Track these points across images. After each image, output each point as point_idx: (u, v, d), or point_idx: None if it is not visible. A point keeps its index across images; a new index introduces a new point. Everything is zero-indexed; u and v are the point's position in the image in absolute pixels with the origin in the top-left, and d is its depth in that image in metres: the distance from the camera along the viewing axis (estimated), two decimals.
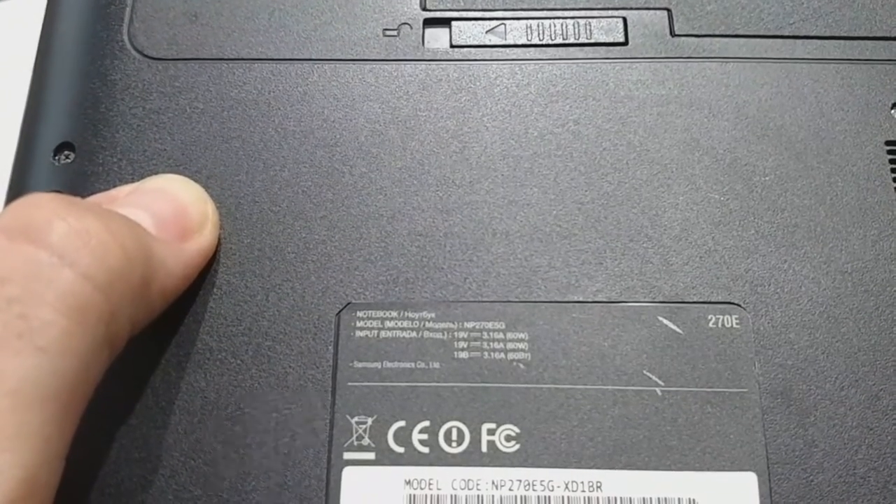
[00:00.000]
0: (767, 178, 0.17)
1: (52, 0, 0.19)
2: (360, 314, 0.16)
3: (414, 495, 0.14)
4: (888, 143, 0.17)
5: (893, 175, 0.17)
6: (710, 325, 0.16)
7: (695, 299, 0.16)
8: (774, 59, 0.18)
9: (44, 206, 0.14)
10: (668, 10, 0.19)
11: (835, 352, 0.15)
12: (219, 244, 0.16)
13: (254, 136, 0.17)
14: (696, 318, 0.16)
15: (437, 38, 0.19)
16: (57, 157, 0.17)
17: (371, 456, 0.15)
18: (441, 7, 0.19)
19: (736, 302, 0.16)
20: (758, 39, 0.18)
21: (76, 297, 0.13)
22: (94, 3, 0.18)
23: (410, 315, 0.16)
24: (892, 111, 0.18)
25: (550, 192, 0.17)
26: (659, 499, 0.14)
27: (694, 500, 0.14)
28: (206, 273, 0.16)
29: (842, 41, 0.18)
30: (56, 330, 0.13)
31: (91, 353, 0.13)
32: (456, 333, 0.16)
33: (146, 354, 0.15)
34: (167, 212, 0.16)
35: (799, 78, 0.18)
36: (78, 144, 0.17)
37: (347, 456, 0.15)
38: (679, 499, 0.14)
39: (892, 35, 0.18)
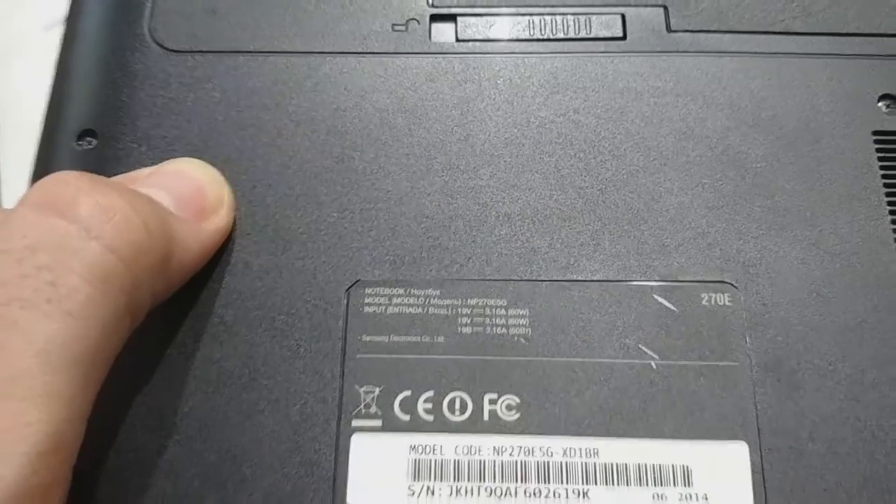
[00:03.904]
0: (759, 166, 0.18)
1: None
2: (368, 291, 0.16)
3: (418, 460, 0.15)
4: (875, 132, 0.18)
5: (880, 163, 0.18)
6: (704, 302, 0.16)
7: (689, 279, 0.17)
8: (766, 53, 0.19)
9: (71, 182, 0.15)
10: (665, 7, 0.20)
11: (823, 328, 0.16)
12: (234, 225, 0.17)
13: (268, 124, 0.18)
14: (690, 297, 0.16)
15: (444, 33, 0.20)
16: (80, 143, 0.18)
17: (378, 423, 0.15)
18: (447, 4, 0.20)
19: (728, 281, 0.17)
20: (750, 35, 0.19)
21: (101, 268, 0.14)
22: (118, 2, 0.19)
23: (416, 292, 0.16)
24: (879, 103, 0.19)
25: (551, 177, 0.18)
26: (653, 466, 0.15)
27: (688, 468, 0.15)
28: (222, 251, 0.17)
29: (830, 37, 0.19)
30: (82, 296, 0.13)
31: (114, 321, 0.14)
32: (459, 309, 0.16)
33: (164, 327, 0.16)
34: (186, 192, 0.16)
35: (789, 71, 0.19)
36: (100, 131, 0.18)
37: (356, 423, 0.15)
38: (673, 465, 0.15)
39: (878, 31, 0.19)
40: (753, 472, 0.15)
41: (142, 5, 0.19)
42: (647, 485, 0.15)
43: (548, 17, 0.20)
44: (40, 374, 0.13)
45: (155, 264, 0.15)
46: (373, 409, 0.16)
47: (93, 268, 0.14)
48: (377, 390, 0.16)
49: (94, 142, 0.18)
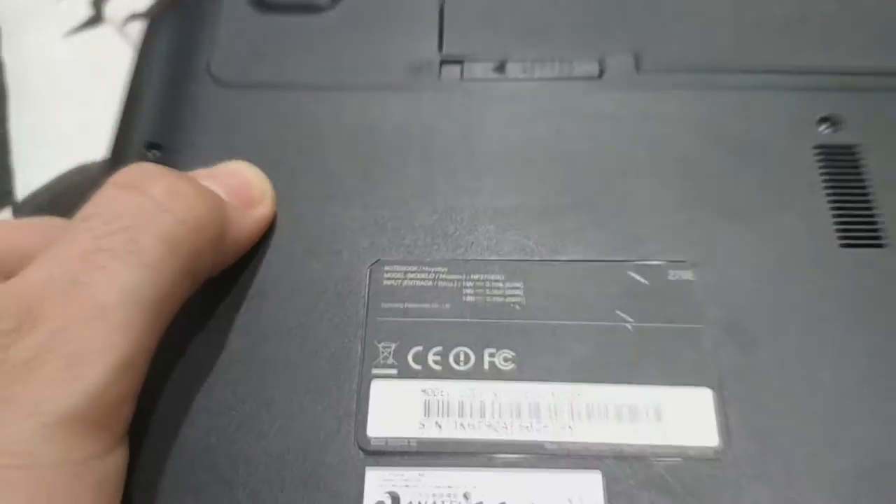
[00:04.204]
0: (717, 174, 0.21)
1: (149, 31, 0.24)
2: (387, 268, 0.20)
3: (428, 401, 0.18)
4: (815, 147, 0.21)
5: (820, 171, 0.21)
6: (670, 277, 0.19)
7: (657, 259, 0.20)
8: (722, 87, 0.23)
9: (149, 169, 0.18)
10: (636, 53, 0.24)
11: (773, 297, 0.19)
12: (275, 218, 0.20)
13: (305, 139, 0.22)
14: (659, 273, 0.19)
15: (452, 73, 0.23)
16: (148, 153, 0.22)
17: (394, 372, 0.18)
18: (455, 52, 0.24)
19: (690, 260, 0.20)
20: (709, 73, 0.23)
21: (172, 234, 0.17)
22: (183, 41, 0.23)
23: (426, 269, 0.20)
24: (819, 125, 0.22)
25: (542, 182, 0.21)
26: (628, 405, 0.18)
27: (658, 407, 0.18)
28: (264, 237, 0.20)
29: (777, 74, 0.23)
30: (157, 253, 0.17)
31: (179, 278, 0.17)
32: (464, 283, 0.19)
33: (216, 294, 0.19)
34: (236, 185, 0.20)
35: (742, 101, 0.22)
36: (164, 144, 0.22)
37: (375, 371, 0.18)
38: (646, 405, 0.18)
39: (813, 70, 0.23)
40: (717, 413, 0.18)
41: (203, 46, 0.23)
42: (624, 421, 0.17)
43: (538, 63, 0.24)
44: (121, 307, 0.16)
45: (213, 238, 0.18)
46: (390, 361, 0.18)
47: (165, 233, 0.17)
48: (393, 346, 0.18)
49: (159, 154, 0.22)
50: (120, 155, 0.22)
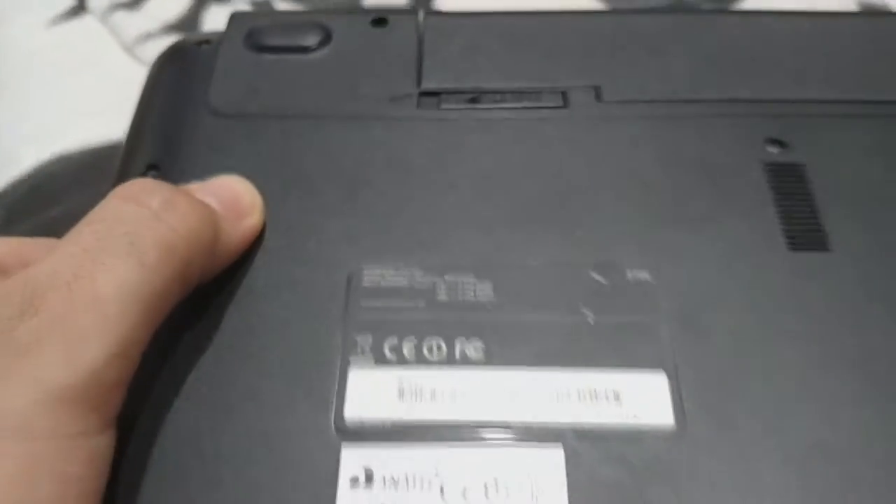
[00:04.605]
0: (673, 188, 0.23)
1: (153, 70, 0.26)
2: (366, 271, 0.21)
3: (402, 386, 0.19)
4: (764, 165, 0.23)
5: (769, 185, 0.23)
6: (629, 277, 0.21)
7: (617, 262, 0.21)
8: (677, 116, 0.25)
9: (147, 184, 0.20)
10: (597, 87, 0.26)
11: (726, 294, 0.20)
12: (264, 227, 0.22)
13: (292, 162, 0.24)
14: (618, 273, 0.21)
15: (429, 104, 0.26)
16: (146, 174, 0.23)
17: (371, 361, 0.19)
18: (433, 85, 0.26)
19: (648, 264, 0.21)
20: (665, 104, 0.25)
21: (166, 240, 0.19)
22: (184, 77, 0.26)
23: (403, 272, 0.21)
24: (766, 147, 0.24)
25: (512, 198, 0.23)
26: (589, 389, 0.19)
27: (617, 390, 0.19)
28: (253, 245, 0.22)
29: (725, 102, 0.25)
30: (154, 256, 0.18)
31: (173, 281, 0.18)
32: (437, 283, 0.21)
33: (205, 294, 0.21)
34: (228, 198, 0.21)
35: (696, 127, 0.24)
36: (163, 166, 0.23)
37: (353, 361, 0.19)
38: (606, 389, 0.19)
39: (761, 99, 0.25)
40: (672, 395, 0.19)
41: (202, 81, 0.25)
42: (585, 402, 0.19)
43: (509, 94, 0.26)
44: (118, 300, 0.17)
45: (205, 246, 0.20)
46: (367, 351, 0.20)
47: (161, 240, 0.18)
48: (370, 338, 0.20)
49: (157, 174, 0.23)
50: (123, 176, 0.23)
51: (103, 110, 0.32)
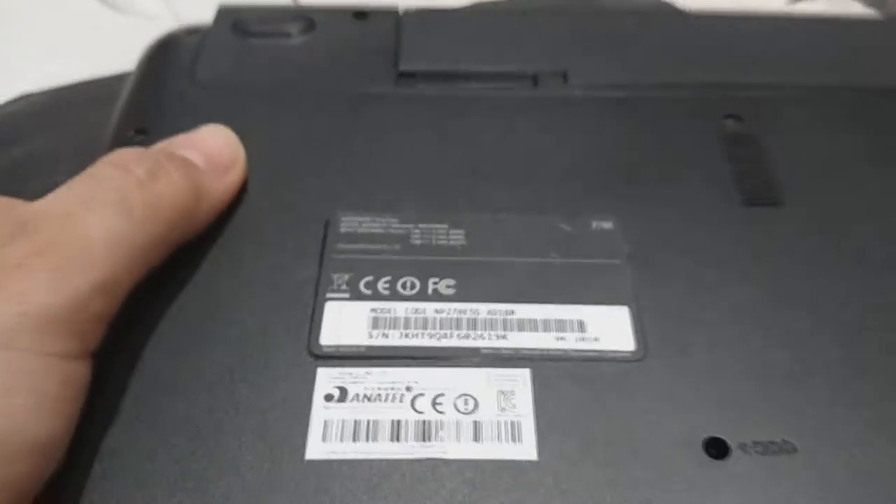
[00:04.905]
0: (636, 157, 0.24)
1: (145, 55, 0.27)
2: (343, 218, 0.22)
3: (377, 317, 0.20)
4: (721, 134, 0.25)
5: (723, 151, 0.24)
6: (593, 227, 0.22)
7: (582, 213, 0.22)
8: (639, 97, 0.26)
9: (134, 153, 0.20)
10: (564, 72, 0.27)
11: (684, 240, 0.22)
12: (247, 178, 0.23)
13: (273, 127, 0.25)
14: (584, 223, 0.22)
15: (407, 84, 0.27)
16: (136, 136, 0.24)
17: (346, 296, 0.20)
18: (410, 68, 0.27)
19: (611, 215, 0.22)
20: (627, 87, 0.27)
21: (152, 202, 0.19)
22: (172, 58, 0.27)
23: (379, 219, 0.22)
24: (723, 121, 0.26)
25: (484, 161, 0.24)
26: (556, 320, 0.20)
27: (582, 321, 0.20)
28: (237, 195, 0.22)
29: (685, 86, 0.27)
30: (139, 212, 0.19)
31: (155, 240, 0.19)
32: (412, 230, 0.22)
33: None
34: (212, 152, 0.22)
35: (659, 105, 0.26)
36: (149, 131, 0.25)
37: (329, 295, 0.20)
38: (571, 319, 0.20)
39: (715, 82, 0.27)
40: (633, 325, 0.20)
41: (189, 59, 0.27)
42: (551, 331, 0.19)
43: (481, 75, 0.27)
44: (105, 242, 0.18)
45: (188, 212, 0.20)
46: (343, 288, 0.20)
47: (146, 200, 0.19)
48: (347, 276, 0.21)
49: (144, 137, 0.24)
50: (113, 139, 0.24)
51: (66, 50, 0.32)
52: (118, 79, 0.28)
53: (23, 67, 0.32)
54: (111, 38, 0.35)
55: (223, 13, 0.30)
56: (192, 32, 0.30)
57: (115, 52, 0.30)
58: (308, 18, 0.29)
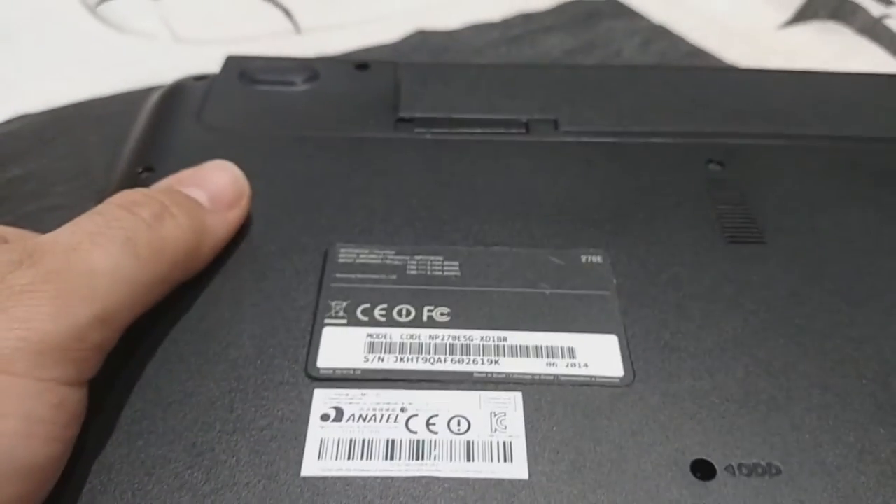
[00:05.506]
0: (625, 197, 0.25)
1: (158, 99, 0.29)
2: (342, 249, 0.23)
3: (373, 342, 0.20)
4: (705, 179, 0.26)
5: (708, 193, 0.25)
6: (583, 260, 0.23)
7: (572, 248, 0.23)
8: (627, 143, 0.28)
9: (140, 195, 0.21)
10: (555, 119, 0.29)
11: (671, 275, 0.22)
12: (250, 212, 0.24)
13: (276, 166, 0.26)
14: (574, 257, 0.23)
15: (405, 128, 0.28)
16: (142, 174, 0.25)
17: (344, 321, 0.21)
18: (408, 114, 0.29)
19: (601, 250, 0.23)
20: (615, 134, 0.28)
21: (156, 245, 0.20)
22: (180, 102, 0.28)
23: (376, 251, 0.23)
24: (707, 166, 0.27)
25: (478, 199, 0.25)
26: (547, 346, 0.20)
27: (573, 348, 0.20)
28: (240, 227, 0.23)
29: (671, 134, 0.28)
30: (145, 251, 0.19)
31: (159, 280, 0.20)
32: (408, 261, 0.23)
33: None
34: (217, 189, 0.23)
35: (646, 150, 0.27)
36: (156, 168, 0.26)
37: (327, 321, 0.21)
38: (561, 346, 0.20)
39: (700, 131, 0.28)
40: (622, 352, 0.20)
41: (197, 103, 0.28)
42: (542, 357, 0.20)
43: (476, 121, 0.28)
44: (109, 276, 0.18)
45: (191, 252, 0.21)
46: (340, 314, 0.21)
47: (151, 243, 0.20)
48: (344, 304, 0.21)
49: (151, 174, 0.25)
50: (121, 176, 0.25)
51: (65, 70, 0.32)
52: (116, 99, 0.29)
53: (21, 86, 0.32)
54: (109, 57, 0.35)
55: (231, 62, 0.31)
56: (201, 79, 0.31)
57: (114, 71, 0.30)
58: (312, 68, 0.31)
